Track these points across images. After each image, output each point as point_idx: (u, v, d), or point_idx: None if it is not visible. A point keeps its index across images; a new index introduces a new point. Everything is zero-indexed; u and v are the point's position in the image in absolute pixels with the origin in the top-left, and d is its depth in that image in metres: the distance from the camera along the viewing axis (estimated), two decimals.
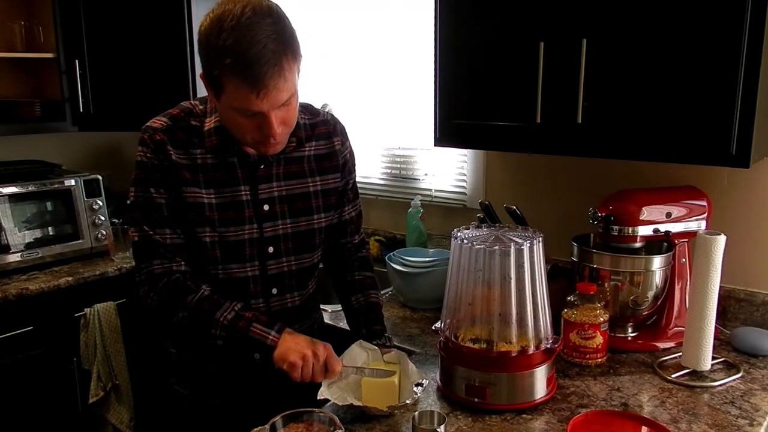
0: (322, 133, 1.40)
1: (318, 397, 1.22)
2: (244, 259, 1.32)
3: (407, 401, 1.22)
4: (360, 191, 2.58)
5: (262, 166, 1.31)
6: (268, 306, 1.37)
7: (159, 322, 1.41)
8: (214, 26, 1.10)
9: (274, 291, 1.37)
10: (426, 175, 2.37)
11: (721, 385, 1.37)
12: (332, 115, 1.45)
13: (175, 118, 1.28)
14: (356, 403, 1.22)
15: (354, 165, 1.48)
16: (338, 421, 1.07)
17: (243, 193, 1.30)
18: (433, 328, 1.39)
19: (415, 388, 1.26)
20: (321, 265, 1.50)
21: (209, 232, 1.28)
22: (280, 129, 1.18)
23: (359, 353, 1.32)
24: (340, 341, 1.77)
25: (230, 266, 1.31)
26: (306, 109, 1.39)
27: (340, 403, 1.22)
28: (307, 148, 1.37)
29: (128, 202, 1.31)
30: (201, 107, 1.30)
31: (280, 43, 1.10)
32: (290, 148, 1.33)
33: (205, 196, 1.27)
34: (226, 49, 1.09)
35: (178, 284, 1.27)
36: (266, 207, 1.32)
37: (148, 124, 1.28)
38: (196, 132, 1.28)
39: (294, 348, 1.22)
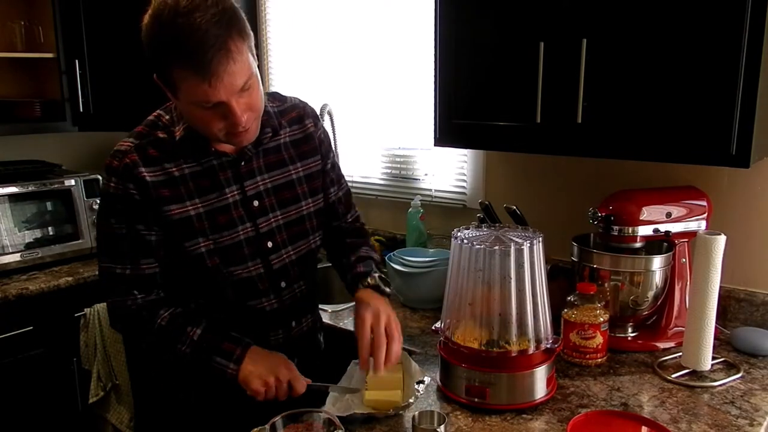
0: (294, 117, 1.38)
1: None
2: (244, 259, 1.29)
3: (410, 400, 1.22)
4: (360, 191, 2.60)
5: (242, 163, 1.28)
6: (281, 301, 1.36)
7: None
8: (154, 22, 1.07)
9: (283, 284, 1.36)
10: (426, 175, 2.37)
11: (721, 385, 1.37)
12: (300, 99, 1.43)
13: (140, 135, 1.24)
14: (360, 410, 1.21)
15: (330, 145, 1.46)
16: (338, 422, 1.07)
17: (230, 195, 1.27)
18: (433, 328, 1.39)
19: (417, 386, 1.25)
20: (324, 262, 1.50)
21: (203, 242, 1.25)
22: (246, 116, 1.13)
23: (354, 371, 1.31)
24: (340, 341, 1.77)
25: (233, 269, 1.28)
26: (273, 96, 1.38)
27: (344, 414, 1.20)
28: (282, 135, 1.34)
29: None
30: (167, 117, 1.26)
31: (222, 26, 1.05)
32: (266, 138, 1.30)
33: (190, 207, 1.24)
34: (168, 43, 1.06)
35: (136, 318, 1.26)
36: (256, 203, 1.30)
37: (115, 148, 1.24)
38: (165, 144, 1.23)
39: (255, 374, 1.21)
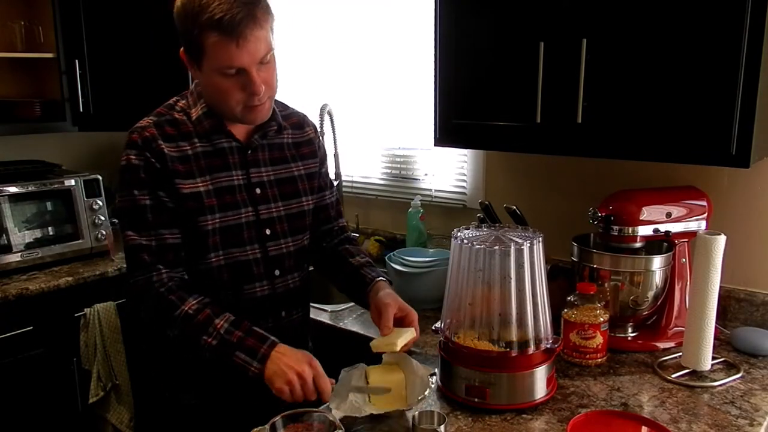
0: (295, 122, 1.47)
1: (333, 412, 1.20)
2: (243, 242, 1.35)
3: (425, 393, 1.22)
4: (360, 191, 2.60)
5: (249, 151, 1.36)
6: (273, 288, 1.39)
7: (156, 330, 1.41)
8: None
9: (277, 272, 1.40)
10: (426, 175, 2.37)
11: (721, 385, 1.37)
12: (299, 111, 1.53)
13: (159, 114, 1.33)
14: (375, 411, 1.20)
15: (326, 156, 1.55)
16: (338, 422, 1.07)
17: (236, 177, 1.34)
18: (433, 328, 1.39)
19: (431, 378, 1.24)
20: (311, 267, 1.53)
21: (210, 219, 1.30)
22: (263, 88, 1.23)
23: (349, 376, 1.29)
24: (339, 342, 1.77)
25: (231, 251, 1.33)
26: (278, 103, 1.44)
27: (358, 416, 1.19)
28: (285, 136, 1.44)
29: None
30: (182, 102, 1.35)
31: None
32: (272, 131, 1.39)
33: (201, 184, 1.30)
34: (201, 8, 1.16)
35: (163, 300, 1.26)
36: (258, 190, 1.36)
37: (135, 125, 1.31)
38: (182, 124, 1.32)
39: (279, 373, 1.18)
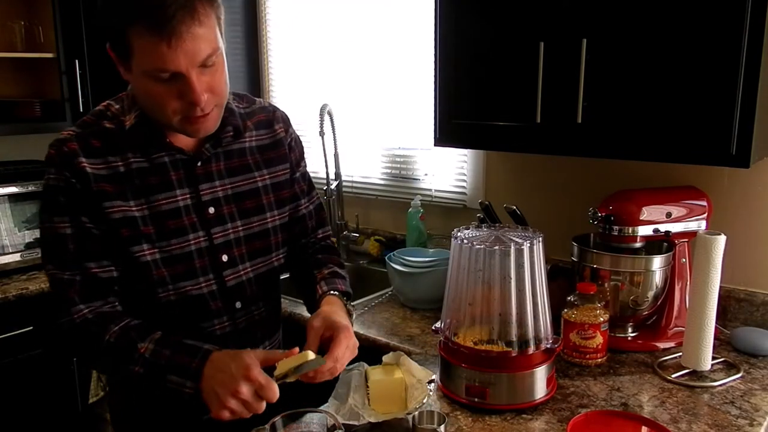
0: (262, 120, 1.26)
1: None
2: (195, 273, 1.15)
3: (424, 401, 1.20)
4: (360, 191, 2.60)
5: (199, 163, 1.15)
6: (234, 324, 1.22)
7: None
8: None
9: (238, 305, 1.22)
10: (426, 175, 2.37)
11: (721, 385, 1.37)
12: (270, 102, 1.33)
13: (85, 124, 1.12)
14: (374, 419, 1.19)
15: (302, 153, 1.34)
16: (338, 422, 1.07)
17: (180, 198, 1.14)
18: (433, 328, 1.39)
19: (428, 386, 1.24)
20: (287, 275, 1.38)
21: (148, 249, 1.11)
22: (205, 96, 1.02)
23: (350, 376, 1.27)
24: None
25: (182, 284, 1.14)
26: (241, 97, 1.27)
27: (357, 424, 1.18)
28: (247, 139, 1.22)
29: None
30: (116, 107, 1.14)
31: None
32: (227, 137, 1.17)
33: (135, 208, 1.10)
34: None
35: (85, 336, 1.09)
36: (212, 210, 1.17)
37: (56, 137, 1.11)
38: (112, 135, 1.10)
39: (213, 396, 1.00)
